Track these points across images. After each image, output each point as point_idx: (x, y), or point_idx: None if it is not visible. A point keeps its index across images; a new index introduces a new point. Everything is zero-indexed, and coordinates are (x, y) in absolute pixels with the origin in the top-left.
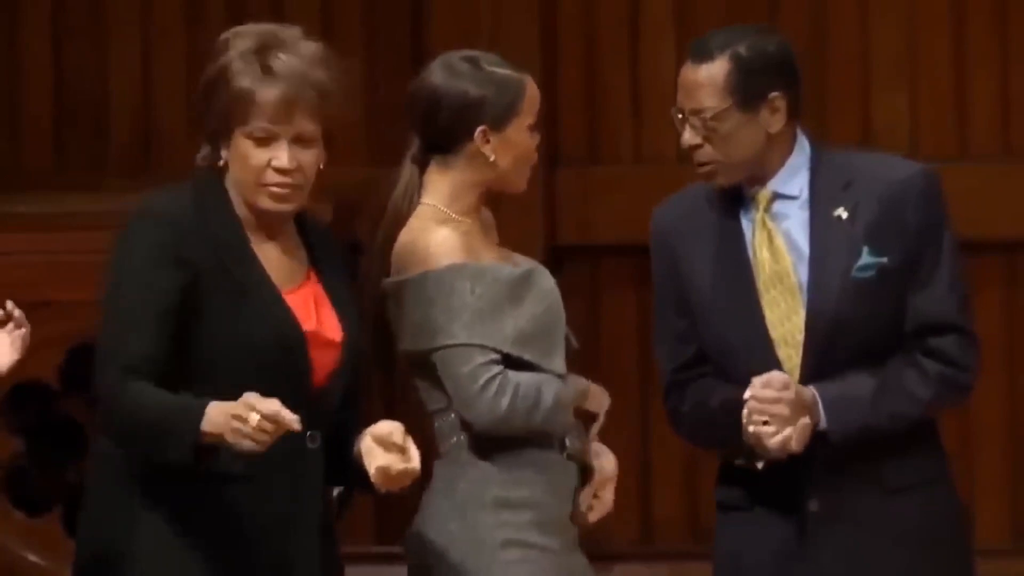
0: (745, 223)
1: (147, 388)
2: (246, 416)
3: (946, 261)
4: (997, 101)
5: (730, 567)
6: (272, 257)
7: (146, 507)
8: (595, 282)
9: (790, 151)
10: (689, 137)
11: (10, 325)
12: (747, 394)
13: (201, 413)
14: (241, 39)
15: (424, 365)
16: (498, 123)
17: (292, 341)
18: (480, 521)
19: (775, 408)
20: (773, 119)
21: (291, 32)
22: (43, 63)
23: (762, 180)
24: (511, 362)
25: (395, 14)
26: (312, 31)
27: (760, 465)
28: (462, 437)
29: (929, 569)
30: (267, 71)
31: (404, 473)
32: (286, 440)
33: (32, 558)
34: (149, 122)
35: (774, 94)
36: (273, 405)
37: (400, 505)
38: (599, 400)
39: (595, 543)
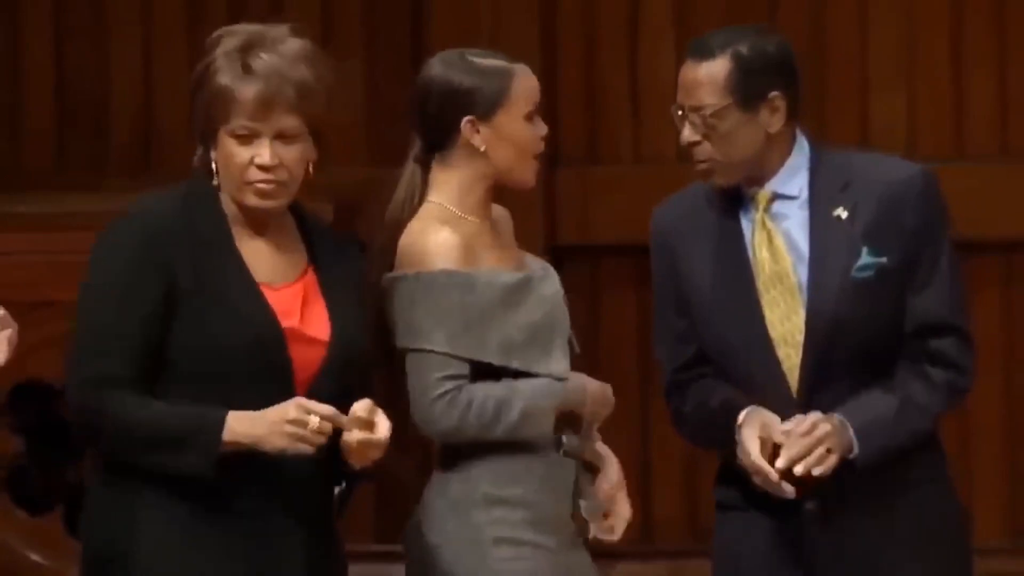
0: (744, 223)
1: (131, 397)
2: (305, 420)
3: (945, 262)
4: (995, 101)
5: (729, 566)
6: (261, 254)
7: (147, 507)
8: (595, 282)
9: (789, 151)
10: (688, 134)
11: None
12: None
13: (220, 424)
14: (229, 38)
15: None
16: (486, 113)
17: (268, 338)
18: (473, 519)
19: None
20: (773, 119)
21: (278, 31)
22: (44, 63)
23: (761, 181)
24: (495, 371)
25: (395, 14)
26: (312, 31)
27: (759, 479)
28: None
29: (928, 569)
30: (247, 69)
31: (366, 444)
32: None
33: (34, 557)
34: (149, 122)
35: (774, 94)
36: (328, 407)
37: (400, 503)
38: (600, 402)
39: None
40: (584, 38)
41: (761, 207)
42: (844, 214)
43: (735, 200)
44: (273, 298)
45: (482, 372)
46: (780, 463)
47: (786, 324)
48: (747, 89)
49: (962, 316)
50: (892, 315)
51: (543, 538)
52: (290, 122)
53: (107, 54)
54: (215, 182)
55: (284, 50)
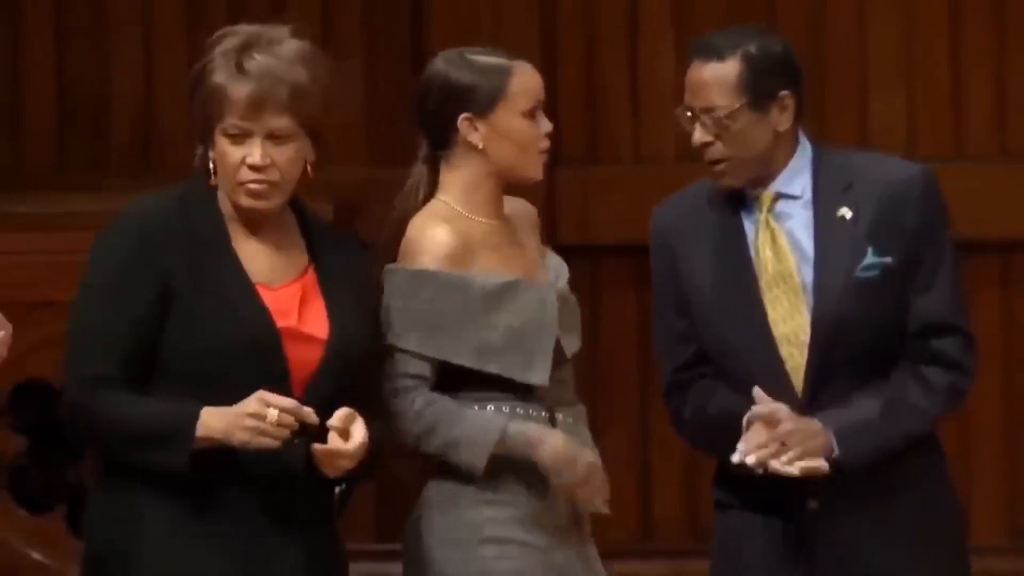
0: (746, 223)
1: (123, 396)
2: (264, 413)
3: (946, 262)
4: (994, 101)
5: (729, 565)
6: (259, 254)
7: (148, 507)
8: (595, 282)
9: (793, 151)
10: (700, 135)
11: None
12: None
13: (194, 419)
14: (229, 38)
15: None
16: (483, 109)
17: (264, 339)
18: (465, 518)
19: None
20: (782, 118)
21: (277, 32)
22: (44, 63)
23: (765, 181)
24: (471, 374)
25: (395, 14)
26: (312, 31)
27: (760, 470)
28: None
29: (927, 568)
30: (240, 69)
31: (334, 454)
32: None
33: (36, 556)
34: (150, 122)
35: (784, 93)
36: (289, 400)
37: (400, 503)
38: (563, 462)
39: (595, 541)
40: (584, 38)
41: (765, 207)
42: (848, 214)
43: (735, 200)
44: (271, 298)
45: (464, 375)
46: (739, 447)
47: (789, 323)
48: (758, 89)
49: (963, 316)
50: (896, 315)
51: (532, 537)
52: (282, 122)
53: (107, 54)
54: (213, 182)
55: (280, 51)
